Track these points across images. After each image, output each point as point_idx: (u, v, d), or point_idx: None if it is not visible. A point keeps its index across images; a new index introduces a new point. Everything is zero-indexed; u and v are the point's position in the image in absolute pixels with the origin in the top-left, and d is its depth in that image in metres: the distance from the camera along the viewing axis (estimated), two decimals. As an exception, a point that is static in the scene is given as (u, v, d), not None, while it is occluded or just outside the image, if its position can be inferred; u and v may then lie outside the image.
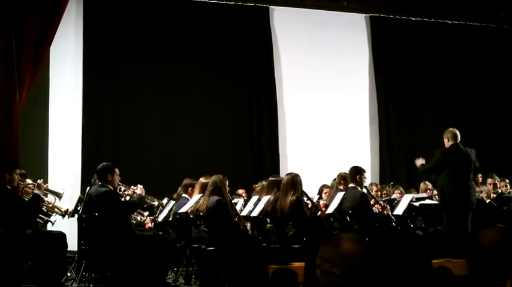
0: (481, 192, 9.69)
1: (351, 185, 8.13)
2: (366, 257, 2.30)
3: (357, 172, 8.15)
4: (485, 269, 2.32)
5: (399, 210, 8.35)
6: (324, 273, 2.32)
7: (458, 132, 8.25)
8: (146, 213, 8.62)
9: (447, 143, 8.26)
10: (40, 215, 7.63)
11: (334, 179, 8.89)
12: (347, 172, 8.37)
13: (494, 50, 13.32)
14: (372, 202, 8.45)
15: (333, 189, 8.80)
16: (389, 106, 12.81)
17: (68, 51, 10.98)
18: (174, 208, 8.48)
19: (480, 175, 10.58)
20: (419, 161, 8.67)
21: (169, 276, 8.17)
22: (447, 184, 8.07)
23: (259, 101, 12.01)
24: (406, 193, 9.75)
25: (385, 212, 8.47)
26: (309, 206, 8.06)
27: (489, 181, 10.18)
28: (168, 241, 7.81)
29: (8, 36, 8.04)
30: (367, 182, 8.73)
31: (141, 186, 7.67)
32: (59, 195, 7.69)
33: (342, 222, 8.03)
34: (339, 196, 8.06)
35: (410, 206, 8.57)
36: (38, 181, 7.35)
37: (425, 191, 9.98)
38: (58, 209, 7.76)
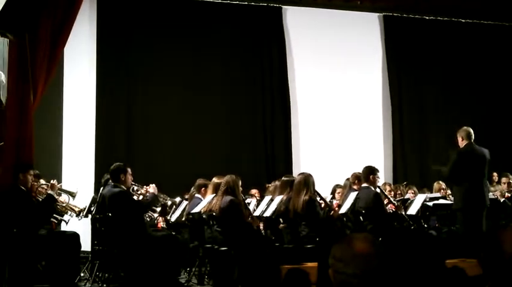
0: (496, 191, 9.63)
1: (364, 185, 8.10)
2: (379, 257, 2.28)
3: (370, 172, 8.11)
4: (504, 271, 2.29)
5: (413, 210, 8.30)
6: (336, 273, 2.31)
7: (472, 131, 8.15)
8: (158, 209, 8.63)
9: (461, 142, 8.17)
10: (54, 214, 7.66)
11: (347, 179, 8.87)
12: (361, 172, 8.34)
13: (509, 48, 13.22)
14: (385, 202, 8.42)
15: (346, 189, 8.77)
16: (403, 105, 12.76)
17: (82, 50, 11.02)
18: (187, 208, 8.49)
19: (496, 174, 10.51)
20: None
21: (182, 276, 8.18)
22: (462, 183, 7.99)
23: (272, 100, 12.01)
24: (420, 193, 9.70)
25: (399, 212, 8.43)
26: (322, 206, 8.04)
27: (504, 179, 10.12)
28: (181, 241, 7.83)
29: (21, 36, 8.07)
30: (380, 182, 8.69)
31: (154, 185, 7.68)
32: (72, 194, 7.73)
33: (355, 222, 8.01)
34: (352, 195, 8.04)
35: (424, 206, 8.53)
36: (52, 181, 7.38)
37: (439, 190, 9.91)
38: (72, 208, 7.80)
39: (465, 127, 8.25)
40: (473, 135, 8.12)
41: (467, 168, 7.95)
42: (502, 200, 9.45)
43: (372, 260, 2.27)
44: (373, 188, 8.04)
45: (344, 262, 2.28)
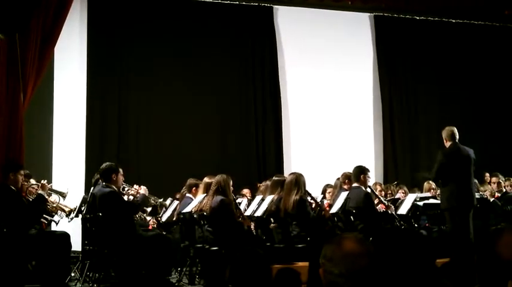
0: (485, 191, 9.66)
1: (355, 184, 8.10)
2: (368, 257, 2.29)
3: (361, 172, 8.11)
4: (497, 273, 2.29)
5: (403, 209, 8.31)
6: (326, 272, 2.32)
7: (456, 131, 8.11)
8: (149, 209, 8.63)
9: (445, 143, 8.15)
10: (44, 215, 7.64)
11: (338, 179, 8.88)
12: (351, 171, 8.35)
13: (499, 49, 13.29)
14: (375, 202, 8.43)
15: (337, 188, 8.78)
16: (393, 105, 12.80)
17: (73, 50, 11.00)
18: (177, 208, 8.48)
19: (488, 174, 10.53)
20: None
21: (173, 276, 8.15)
22: (448, 183, 8.01)
23: (263, 100, 12.02)
24: (410, 192, 9.72)
25: (389, 212, 8.45)
26: (313, 206, 8.05)
27: (493, 179, 10.14)
28: (171, 241, 7.81)
29: (12, 36, 8.05)
30: (371, 182, 8.70)
31: (145, 187, 7.67)
32: (63, 194, 7.70)
33: (346, 222, 8.01)
34: (343, 195, 8.04)
35: (414, 205, 8.54)
36: (42, 181, 7.35)
37: (429, 190, 9.93)
38: (62, 208, 7.77)
39: (448, 127, 8.20)
40: (457, 135, 8.09)
41: (453, 168, 7.96)
42: (491, 200, 9.47)
43: (360, 261, 2.28)
44: (363, 188, 8.04)
45: (333, 262, 2.30)
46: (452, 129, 8.11)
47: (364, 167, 8.24)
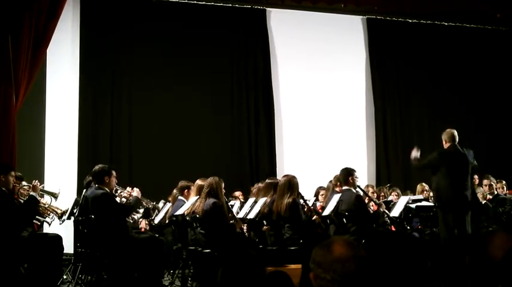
0: (477, 193, 9.67)
1: (345, 187, 8.05)
2: (358, 260, 2.29)
3: (348, 174, 8.02)
4: (489, 274, 2.30)
5: (396, 212, 8.32)
6: (317, 278, 2.31)
7: (456, 133, 8.20)
8: (141, 211, 8.61)
9: (445, 144, 8.24)
10: (36, 216, 7.61)
11: (331, 181, 8.87)
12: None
13: (491, 52, 13.33)
14: (366, 201, 8.40)
15: (329, 191, 8.77)
16: (386, 108, 12.81)
17: (65, 52, 10.97)
18: (170, 211, 8.47)
19: (476, 177, 10.55)
20: (414, 153, 8.59)
21: (165, 278, 8.16)
22: (444, 185, 8.03)
23: (256, 102, 12.01)
24: (403, 195, 9.72)
25: (381, 210, 8.40)
26: (305, 209, 8.04)
27: (485, 182, 10.15)
28: (164, 243, 7.80)
29: (4, 38, 8.03)
30: (363, 184, 8.67)
31: (138, 189, 7.65)
32: (54, 195, 7.66)
33: (338, 224, 8.01)
34: (335, 198, 8.02)
35: (406, 207, 8.54)
36: (33, 182, 7.32)
37: (421, 192, 9.95)
38: (54, 210, 7.74)
39: (449, 129, 8.31)
40: (457, 137, 8.17)
41: (450, 169, 7.99)
42: (483, 202, 9.49)
43: (350, 265, 2.27)
44: (353, 190, 8.01)
45: (323, 268, 2.29)
46: (453, 132, 8.21)
47: (350, 168, 8.14)
